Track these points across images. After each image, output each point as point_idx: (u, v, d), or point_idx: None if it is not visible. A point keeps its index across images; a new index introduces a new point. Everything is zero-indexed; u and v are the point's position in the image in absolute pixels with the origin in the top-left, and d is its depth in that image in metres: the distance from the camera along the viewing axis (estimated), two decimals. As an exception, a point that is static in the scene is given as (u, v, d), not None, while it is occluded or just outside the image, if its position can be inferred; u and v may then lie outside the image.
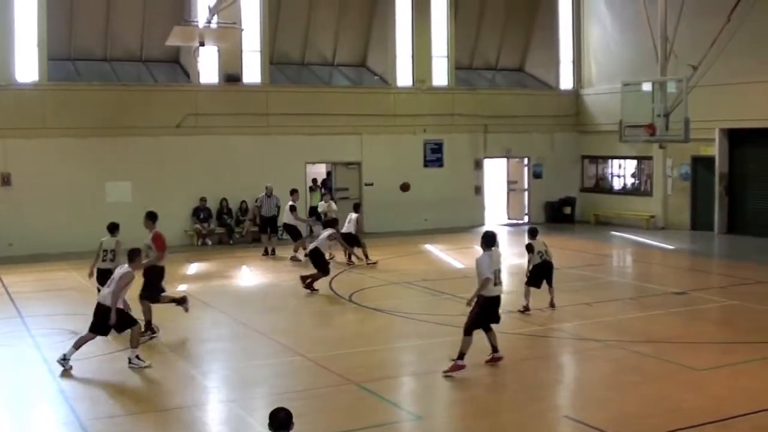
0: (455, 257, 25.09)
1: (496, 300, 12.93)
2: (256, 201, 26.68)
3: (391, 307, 17.54)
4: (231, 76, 29.23)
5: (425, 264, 24.38)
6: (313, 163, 31.18)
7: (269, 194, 26.20)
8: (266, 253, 25.83)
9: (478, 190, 33.60)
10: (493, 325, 13.05)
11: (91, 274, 16.32)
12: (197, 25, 25.87)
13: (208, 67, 28.93)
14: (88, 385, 12.60)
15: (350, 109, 30.59)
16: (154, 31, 28.52)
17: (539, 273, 16.87)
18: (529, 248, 16.98)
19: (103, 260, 16.12)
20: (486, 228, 31.86)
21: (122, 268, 13.46)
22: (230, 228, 28.64)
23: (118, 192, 27.31)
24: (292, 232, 25.40)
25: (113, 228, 16.61)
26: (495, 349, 13.05)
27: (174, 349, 13.88)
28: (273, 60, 30.83)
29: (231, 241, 28.44)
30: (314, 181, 32.51)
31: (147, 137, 27.78)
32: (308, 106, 29.82)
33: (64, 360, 13.02)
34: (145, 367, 13.09)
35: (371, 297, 18.98)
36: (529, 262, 16.98)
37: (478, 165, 33.47)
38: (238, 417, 11.17)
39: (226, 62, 29.21)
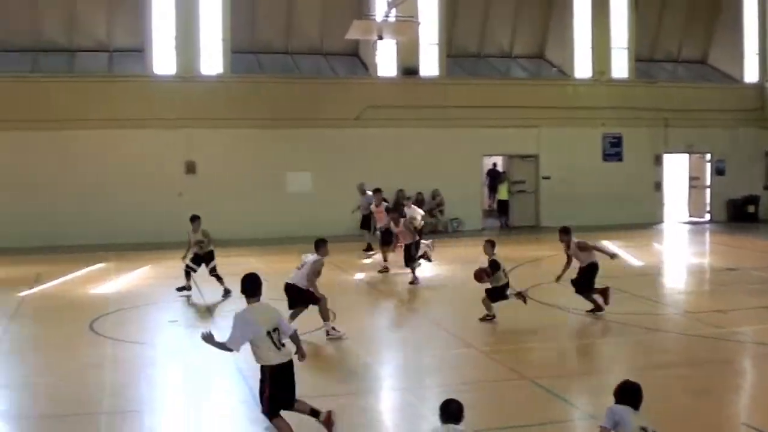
0: (634, 254, 24.48)
1: (283, 368, 9.33)
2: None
3: (566, 303, 17.30)
4: (409, 69, 29.56)
5: (602, 260, 23.88)
6: (490, 155, 31.12)
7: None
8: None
9: (658, 186, 32.70)
10: None
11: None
12: (376, 19, 26.28)
13: (386, 61, 29.39)
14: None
15: (527, 101, 30.38)
16: (334, 25, 29.16)
17: (502, 293, 15.55)
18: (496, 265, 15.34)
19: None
20: (664, 225, 31.19)
21: (312, 256, 14.15)
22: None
23: (299, 182, 28.15)
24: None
25: (192, 219, 18.39)
26: (314, 413, 9.80)
27: (351, 336, 14.21)
28: (450, 53, 30.95)
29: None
30: (494, 164, 31.30)
31: (326, 129, 28.46)
32: (485, 99, 29.81)
33: (333, 330, 14.12)
34: (339, 337, 14.01)
35: (545, 293, 18.78)
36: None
37: (658, 160, 32.57)
38: (411, 405, 11.32)
39: (404, 55, 29.57)
